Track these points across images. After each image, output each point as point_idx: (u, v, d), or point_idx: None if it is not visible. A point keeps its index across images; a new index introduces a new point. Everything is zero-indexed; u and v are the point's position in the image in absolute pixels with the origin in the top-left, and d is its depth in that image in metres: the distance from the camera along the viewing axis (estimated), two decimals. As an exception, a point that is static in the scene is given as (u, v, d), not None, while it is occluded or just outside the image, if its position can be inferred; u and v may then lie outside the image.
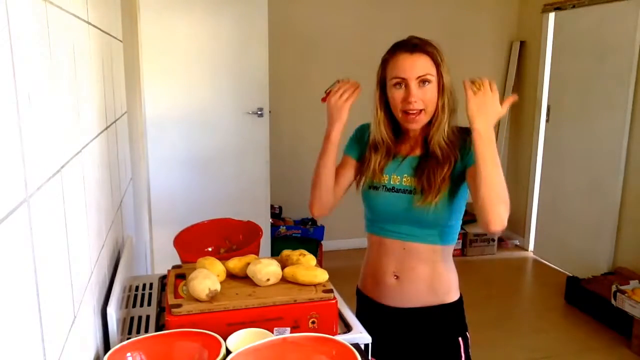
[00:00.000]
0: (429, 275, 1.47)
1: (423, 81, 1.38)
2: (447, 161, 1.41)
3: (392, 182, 1.47)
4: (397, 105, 1.41)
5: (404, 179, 1.46)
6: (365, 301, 1.58)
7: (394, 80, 1.40)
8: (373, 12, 4.25)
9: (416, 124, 1.42)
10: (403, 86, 1.39)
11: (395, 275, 1.49)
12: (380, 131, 1.48)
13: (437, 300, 1.49)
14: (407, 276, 1.48)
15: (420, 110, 1.40)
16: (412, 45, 1.40)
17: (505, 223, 1.31)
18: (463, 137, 1.43)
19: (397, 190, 1.46)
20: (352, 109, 1.46)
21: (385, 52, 1.46)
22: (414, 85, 1.38)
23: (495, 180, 1.29)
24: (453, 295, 1.52)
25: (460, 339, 1.52)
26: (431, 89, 1.39)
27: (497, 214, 1.30)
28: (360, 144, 1.56)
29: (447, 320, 1.52)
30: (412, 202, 1.43)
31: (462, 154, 1.43)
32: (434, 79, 1.39)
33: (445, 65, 1.41)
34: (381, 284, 1.52)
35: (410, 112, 1.39)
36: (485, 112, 1.30)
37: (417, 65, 1.38)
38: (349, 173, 1.56)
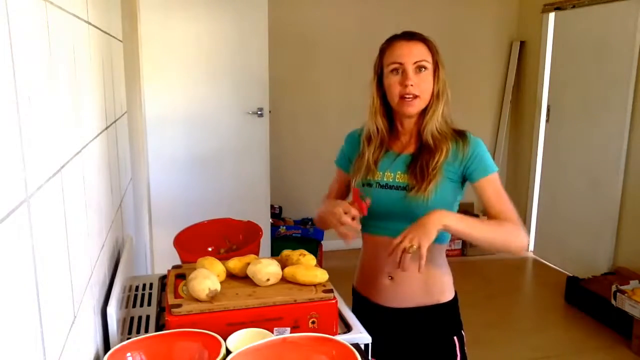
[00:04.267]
0: (423, 276, 1.46)
1: (419, 67, 1.41)
2: (438, 150, 1.43)
3: (385, 179, 1.48)
4: (393, 91, 1.43)
5: (397, 176, 1.47)
6: (361, 301, 1.59)
7: (392, 66, 1.43)
8: (373, 12, 4.25)
9: (412, 109, 1.43)
10: (400, 72, 1.42)
11: (389, 276, 1.50)
12: (376, 120, 1.50)
13: (431, 300, 1.50)
14: (402, 277, 1.47)
15: (416, 96, 1.42)
16: (410, 33, 1.46)
17: (526, 243, 1.43)
18: (456, 135, 1.46)
19: (391, 187, 1.47)
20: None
21: None
22: (410, 70, 1.41)
23: (487, 240, 1.40)
24: (447, 295, 1.52)
25: (455, 337, 1.53)
26: (427, 76, 1.42)
27: (513, 249, 1.43)
28: (351, 153, 1.58)
29: (442, 319, 1.53)
30: (405, 198, 1.43)
31: (458, 155, 1.43)
32: (430, 66, 1.43)
33: (441, 58, 1.45)
34: (376, 285, 1.53)
35: (407, 96, 1.41)
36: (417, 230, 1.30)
37: (414, 51, 1.42)
38: (344, 186, 1.62)
